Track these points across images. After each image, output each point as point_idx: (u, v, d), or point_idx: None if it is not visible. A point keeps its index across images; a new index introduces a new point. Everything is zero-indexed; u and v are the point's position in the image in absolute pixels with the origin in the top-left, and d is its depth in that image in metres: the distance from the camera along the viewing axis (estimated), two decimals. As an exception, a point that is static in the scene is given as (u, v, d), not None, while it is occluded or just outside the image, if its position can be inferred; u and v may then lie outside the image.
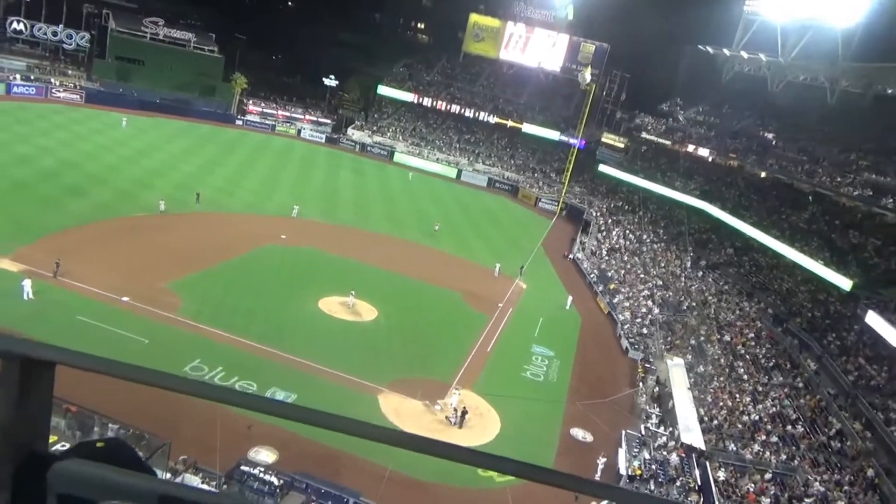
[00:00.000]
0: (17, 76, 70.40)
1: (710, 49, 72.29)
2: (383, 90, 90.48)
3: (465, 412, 27.99)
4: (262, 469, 21.20)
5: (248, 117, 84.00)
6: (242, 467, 21.11)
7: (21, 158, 48.29)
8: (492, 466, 1.44)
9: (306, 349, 30.49)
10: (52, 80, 72.62)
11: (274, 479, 20.70)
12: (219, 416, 22.09)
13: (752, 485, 26.12)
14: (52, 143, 54.67)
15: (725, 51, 70.39)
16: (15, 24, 73.57)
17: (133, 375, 1.51)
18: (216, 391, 1.52)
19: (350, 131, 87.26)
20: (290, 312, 34.62)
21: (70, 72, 76.43)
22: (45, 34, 75.63)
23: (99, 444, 1.59)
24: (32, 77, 71.79)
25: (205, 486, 18.29)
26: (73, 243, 36.01)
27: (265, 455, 22.75)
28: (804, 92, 64.66)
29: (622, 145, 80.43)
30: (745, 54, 67.72)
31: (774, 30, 62.72)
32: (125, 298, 31.12)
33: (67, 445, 2.28)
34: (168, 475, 18.13)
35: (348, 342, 32.87)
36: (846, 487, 25.59)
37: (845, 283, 38.30)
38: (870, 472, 26.13)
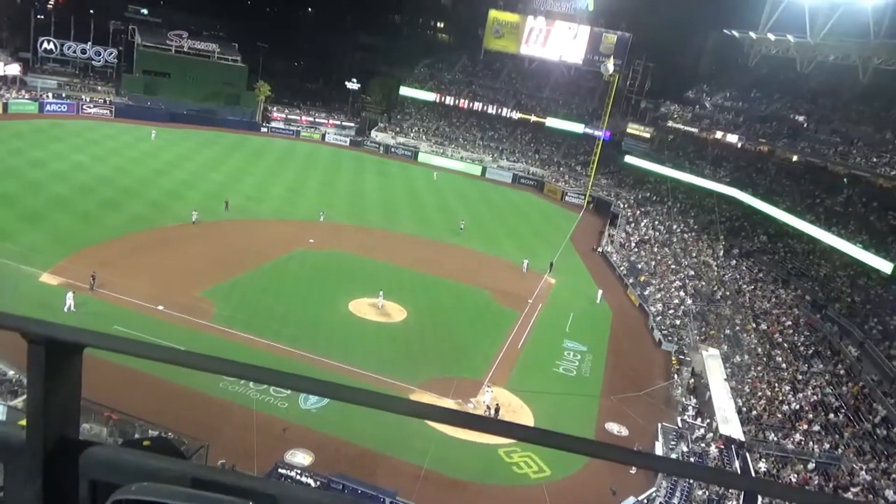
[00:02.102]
0: (50, 94, 72.47)
1: (735, 33, 70.83)
2: (405, 91, 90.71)
3: (497, 409, 27.93)
4: (300, 471, 21.46)
5: (273, 124, 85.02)
6: (280, 470, 21.40)
7: (58, 175, 49.63)
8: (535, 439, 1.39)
9: (338, 352, 30.74)
10: (83, 97, 74.61)
11: (311, 482, 20.94)
12: (255, 421, 22.45)
13: (795, 475, 25.59)
14: (86, 158, 56.06)
15: (752, 34, 68.91)
16: (45, 44, 75.71)
17: (158, 355, 1.50)
18: (238, 368, 1.49)
19: (374, 133, 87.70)
20: (321, 316, 34.95)
21: (99, 88, 78.44)
22: (75, 52, 77.71)
23: (145, 443, 1.63)
24: (64, 95, 73.84)
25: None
26: (111, 255, 36.89)
27: (301, 457, 22.99)
28: (835, 72, 62.99)
29: (648, 135, 79.32)
30: (772, 36, 66.22)
31: (802, 10, 61.13)
32: (160, 307, 31.76)
33: None
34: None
35: (379, 343, 33.06)
36: (895, 476, 24.87)
37: (886, 266, 37.26)
38: (918, 460, 25.38)
